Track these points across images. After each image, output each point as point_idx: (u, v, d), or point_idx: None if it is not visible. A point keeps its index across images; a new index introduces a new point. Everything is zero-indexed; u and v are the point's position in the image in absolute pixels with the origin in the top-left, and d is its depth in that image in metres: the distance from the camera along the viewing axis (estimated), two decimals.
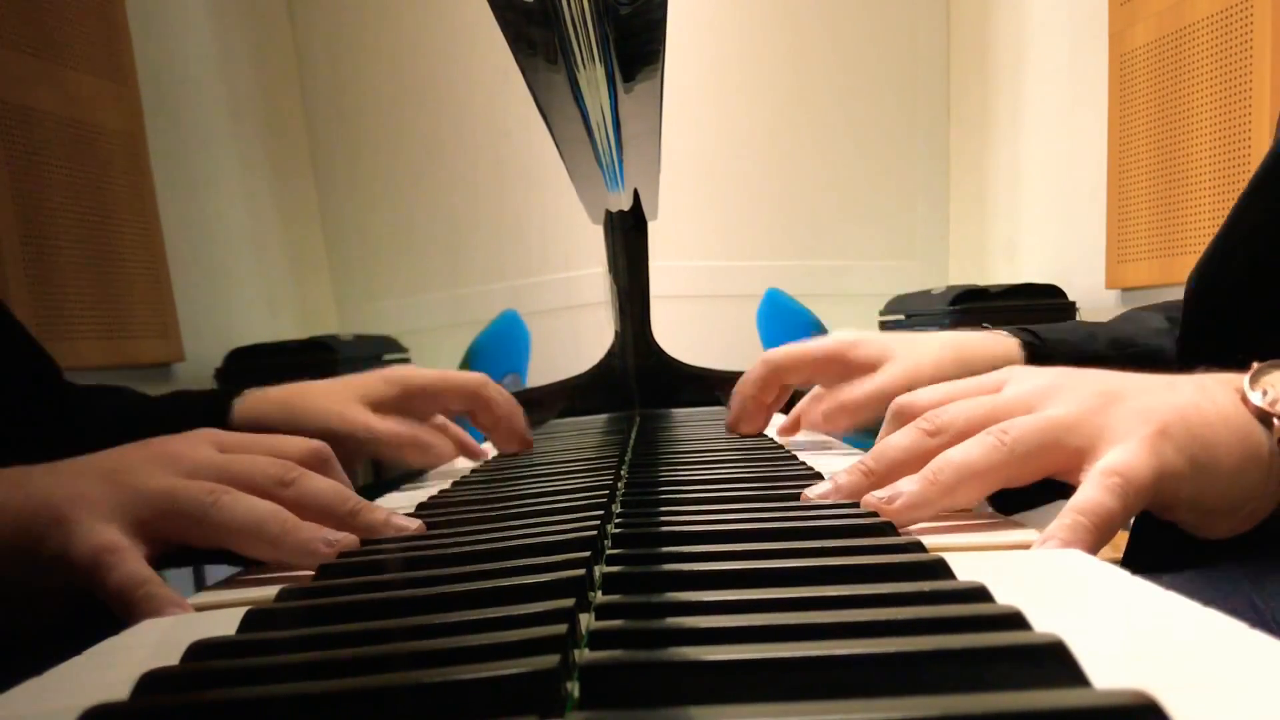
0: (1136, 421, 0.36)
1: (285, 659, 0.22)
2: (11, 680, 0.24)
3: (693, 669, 0.19)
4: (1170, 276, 1.89)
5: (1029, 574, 0.29)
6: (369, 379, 0.63)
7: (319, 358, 2.20)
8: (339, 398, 0.60)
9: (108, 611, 0.32)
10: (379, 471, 0.90)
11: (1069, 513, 0.34)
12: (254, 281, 2.70)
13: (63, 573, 0.33)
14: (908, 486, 0.37)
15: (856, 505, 0.38)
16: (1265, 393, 0.36)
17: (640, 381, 0.97)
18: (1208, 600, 0.23)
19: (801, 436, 0.70)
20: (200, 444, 0.41)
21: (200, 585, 0.37)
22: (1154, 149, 1.92)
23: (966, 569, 0.27)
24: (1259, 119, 1.63)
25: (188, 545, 0.37)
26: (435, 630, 0.24)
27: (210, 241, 2.51)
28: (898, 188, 2.77)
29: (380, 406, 0.61)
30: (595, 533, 0.32)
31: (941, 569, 0.27)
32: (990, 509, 0.42)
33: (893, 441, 0.40)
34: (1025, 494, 0.39)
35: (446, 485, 0.56)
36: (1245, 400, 0.37)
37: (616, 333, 0.97)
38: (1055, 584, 0.28)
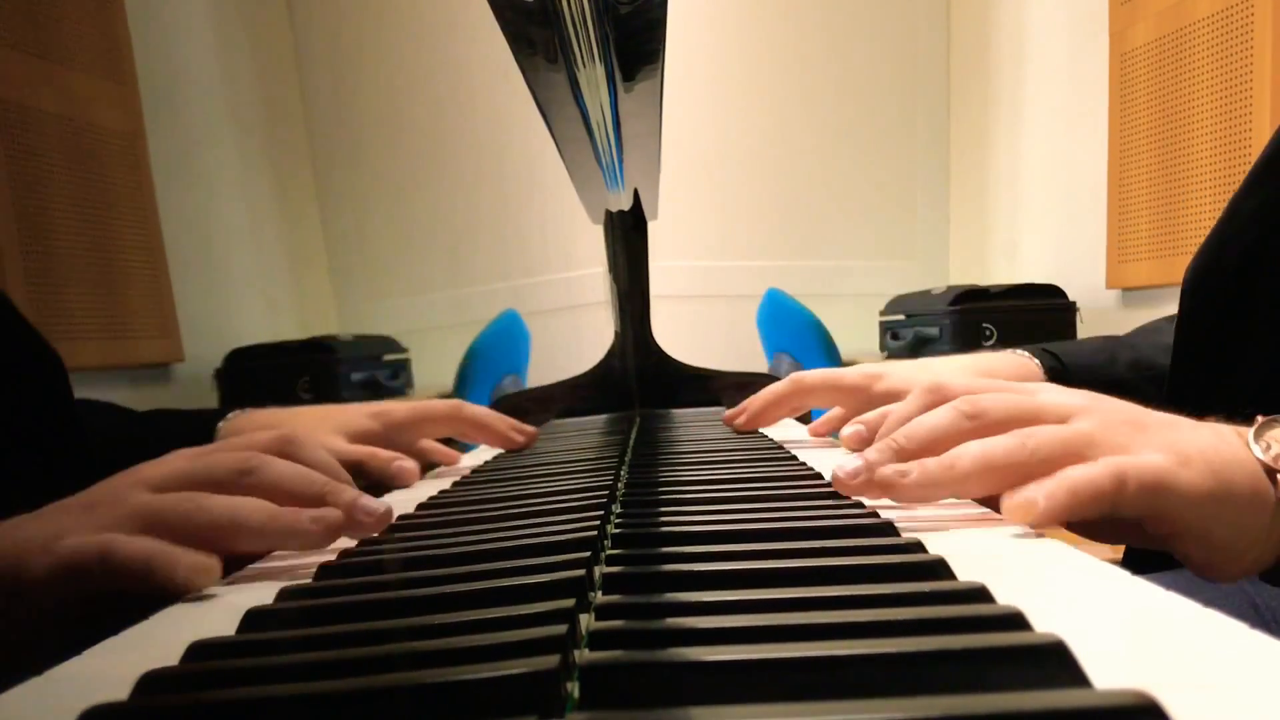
0: (1160, 446, 0.36)
1: (285, 659, 0.22)
2: (11, 680, 0.24)
3: (693, 669, 0.19)
4: (1170, 276, 1.89)
5: (1028, 573, 0.29)
6: (354, 413, 0.67)
7: (319, 358, 2.20)
8: (320, 427, 0.64)
9: (105, 615, 0.32)
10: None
11: (1056, 476, 0.34)
12: (254, 281, 2.70)
13: (58, 587, 0.33)
14: (932, 463, 0.37)
15: (858, 505, 0.38)
16: (1269, 447, 0.37)
17: (640, 381, 0.97)
18: (1208, 600, 0.23)
19: (801, 436, 0.70)
20: (170, 460, 0.41)
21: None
22: (1154, 149, 1.92)
23: (960, 567, 0.27)
24: (1259, 119, 1.63)
25: None
26: (435, 630, 0.24)
27: (210, 241, 2.51)
28: (898, 188, 2.77)
29: (364, 439, 0.64)
30: (595, 533, 0.32)
31: (942, 569, 0.27)
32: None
33: (927, 420, 0.40)
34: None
35: (446, 485, 0.56)
36: (1250, 452, 0.37)
37: (616, 333, 0.97)
38: (1056, 584, 0.28)
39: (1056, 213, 2.36)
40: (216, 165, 2.57)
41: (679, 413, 0.93)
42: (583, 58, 0.46)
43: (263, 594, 0.31)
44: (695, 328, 2.47)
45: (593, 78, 0.49)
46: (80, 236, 1.92)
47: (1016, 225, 2.54)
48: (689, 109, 2.46)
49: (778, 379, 0.87)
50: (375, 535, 0.40)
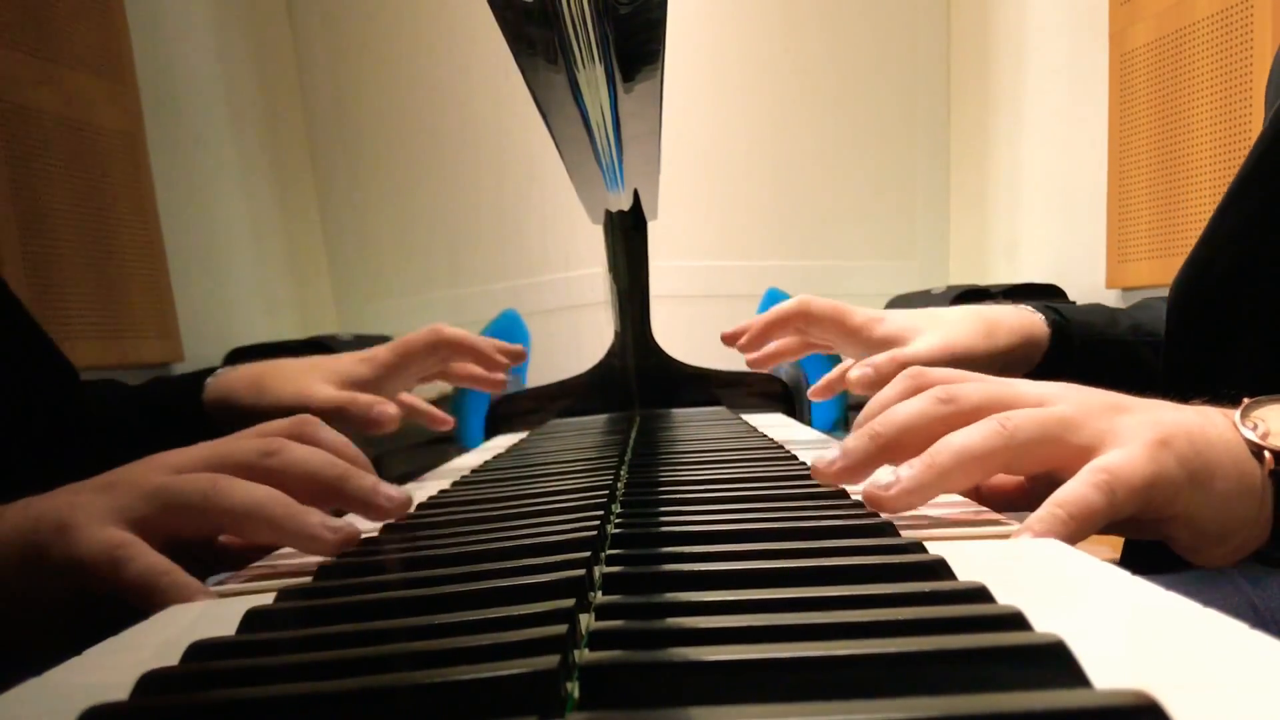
0: (1141, 429, 0.36)
1: (285, 659, 0.22)
2: (11, 680, 0.24)
3: (693, 669, 0.19)
4: (1170, 276, 1.88)
5: (1027, 573, 0.29)
6: (346, 359, 0.67)
7: None
8: (307, 375, 0.64)
9: (108, 615, 0.32)
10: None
11: (1048, 505, 0.34)
12: (254, 281, 2.70)
13: (72, 577, 0.33)
14: (905, 472, 0.37)
15: (857, 505, 0.38)
16: (1256, 426, 0.37)
17: (640, 381, 0.97)
18: (1207, 600, 0.23)
19: (802, 436, 0.70)
20: (193, 446, 0.41)
21: None
22: (1154, 149, 1.92)
23: (960, 567, 0.27)
24: (1259, 119, 1.63)
25: (188, 540, 0.37)
26: (435, 630, 0.24)
27: (210, 241, 2.51)
28: (898, 188, 2.77)
29: (359, 385, 0.65)
30: (595, 533, 0.32)
31: (942, 569, 0.27)
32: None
33: (903, 407, 0.40)
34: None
35: (446, 485, 0.56)
36: (1237, 433, 0.37)
37: (616, 333, 0.97)
38: (1055, 584, 0.28)
39: (1056, 213, 2.36)
40: (216, 165, 2.57)
41: (679, 412, 0.93)
42: (583, 58, 0.46)
43: (262, 594, 0.31)
44: (695, 328, 2.46)
45: (593, 78, 0.49)
46: (80, 237, 1.92)
47: (1016, 225, 2.53)
48: (689, 109, 2.46)
49: (778, 379, 0.88)
50: (374, 536, 0.40)
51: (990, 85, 2.60)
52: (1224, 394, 0.40)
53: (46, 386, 0.54)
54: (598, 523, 0.34)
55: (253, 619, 0.27)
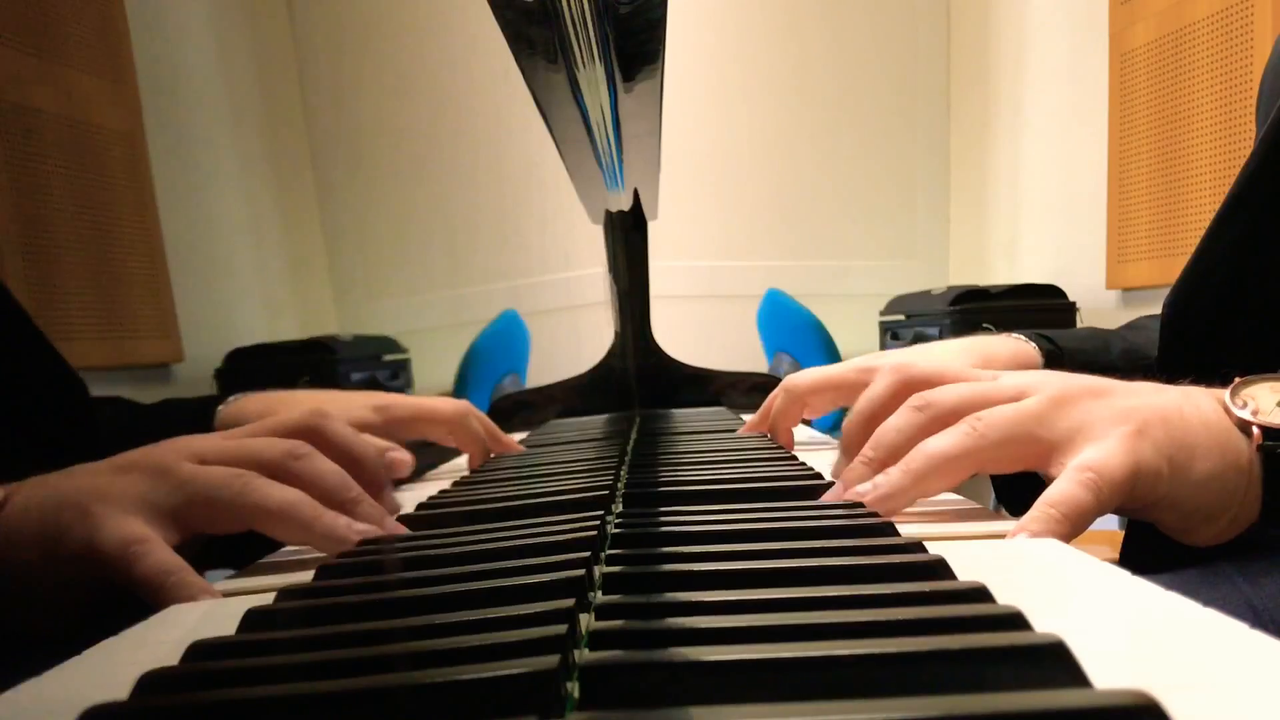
0: (1115, 419, 0.37)
1: (285, 659, 0.22)
2: (11, 680, 0.24)
3: (693, 669, 0.19)
4: (1170, 277, 1.88)
5: (1027, 573, 0.29)
6: (358, 402, 0.66)
7: (319, 358, 2.20)
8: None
9: (121, 608, 0.32)
10: None
11: (1041, 505, 0.35)
12: (254, 281, 2.70)
13: (89, 565, 0.34)
14: (881, 479, 0.38)
15: (857, 505, 0.38)
16: (1246, 404, 0.38)
17: (640, 381, 0.97)
18: (1206, 600, 0.23)
19: (801, 436, 0.70)
20: (217, 435, 0.42)
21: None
22: (1154, 149, 1.92)
23: (960, 567, 0.27)
24: None
25: (210, 534, 0.38)
26: (435, 630, 0.24)
27: (210, 242, 2.51)
28: (898, 188, 2.77)
29: (364, 429, 0.64)
30: (595, 533, 0.32)
31: (942, 569, 0.27)
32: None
33: (889, 425, 0.42)
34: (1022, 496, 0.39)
35: (446, 485, 0.56)
36: (1228, 411, 0.38)
37: (616, 333, 0.97)
38: (1055, 584, 0.28)
39: (1056, 213, 2.36)
40: (216, 165, 2.57)
41: (679, 412, 0.93)
42: (583, 58, 0.46)
43: (262, 594, 0.31)
44: (695, 328, 2.47)
45: (593, 78, 0.49)
46: (80, 236, 1.92)
47: (1016, 225, 2.53)
48: (689, 109, 2.46)
49: (778, 379, 0.87)
50: (374, 536, 0.40)
51: (990, 85, 2.60)
52: (1211, 381, 0.40)
53: (58, 403, 0.55)
54: (598, 522, 0.34)
55: (253, 619, 0.27)
